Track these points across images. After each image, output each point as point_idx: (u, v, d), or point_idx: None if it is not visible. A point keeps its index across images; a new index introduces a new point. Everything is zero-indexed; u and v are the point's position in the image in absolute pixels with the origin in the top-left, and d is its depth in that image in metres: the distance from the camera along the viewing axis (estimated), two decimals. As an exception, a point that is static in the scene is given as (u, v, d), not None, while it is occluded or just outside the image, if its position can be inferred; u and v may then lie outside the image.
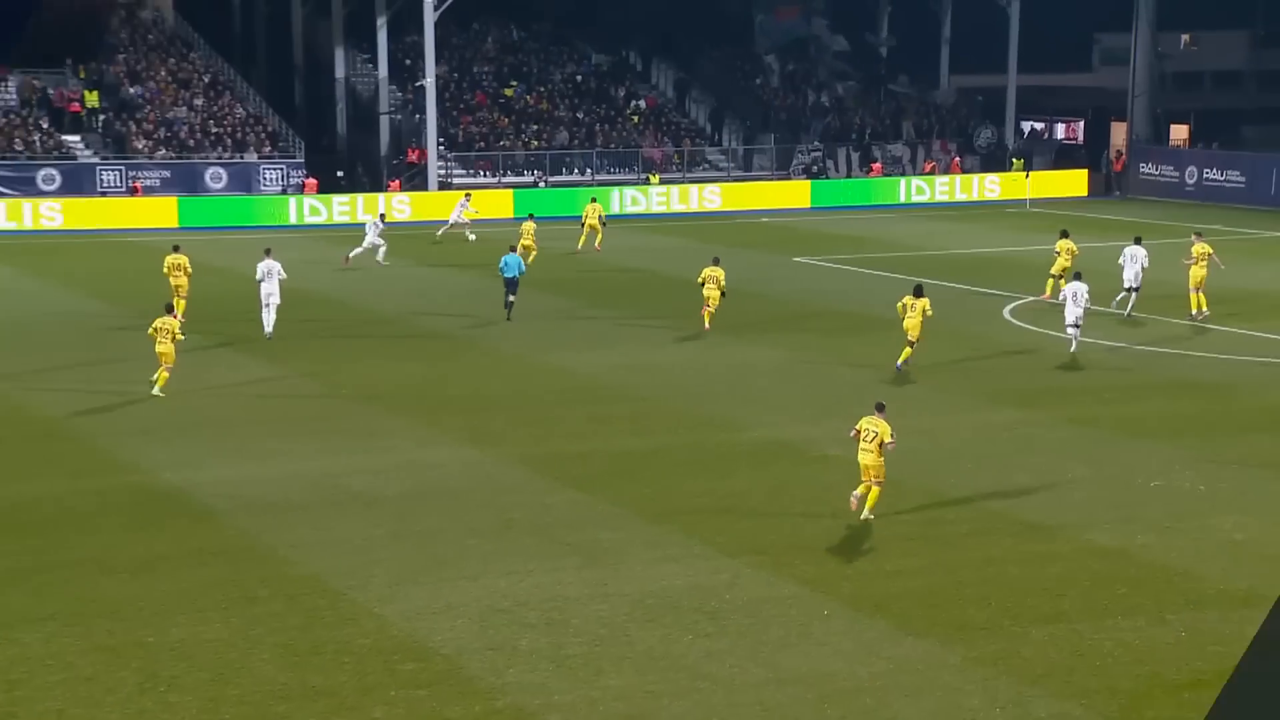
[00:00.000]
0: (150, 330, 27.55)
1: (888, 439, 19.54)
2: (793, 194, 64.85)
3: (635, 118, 69.77)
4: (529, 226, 44.54)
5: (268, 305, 33.04)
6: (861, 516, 19.79)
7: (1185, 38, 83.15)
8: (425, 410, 26.56)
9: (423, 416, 26.12)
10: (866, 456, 19.74)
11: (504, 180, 64.49)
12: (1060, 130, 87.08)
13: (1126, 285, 35.43)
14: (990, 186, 67.11)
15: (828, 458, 23.16)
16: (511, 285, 36.01)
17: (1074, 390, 27.66)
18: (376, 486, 21.77)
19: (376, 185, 63.92)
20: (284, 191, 60.66)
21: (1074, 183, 68.72)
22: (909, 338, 29.04)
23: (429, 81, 61.73)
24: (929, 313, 28.93)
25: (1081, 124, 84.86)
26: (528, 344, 32.95)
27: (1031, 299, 37.71)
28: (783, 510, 20.46)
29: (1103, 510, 20.27)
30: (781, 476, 22.22)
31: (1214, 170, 65.04)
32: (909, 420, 25.42)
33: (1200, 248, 35.17)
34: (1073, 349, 30.76)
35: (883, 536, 19.23)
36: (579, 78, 71.96)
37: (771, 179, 67.08)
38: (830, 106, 73.33)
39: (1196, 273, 34.96)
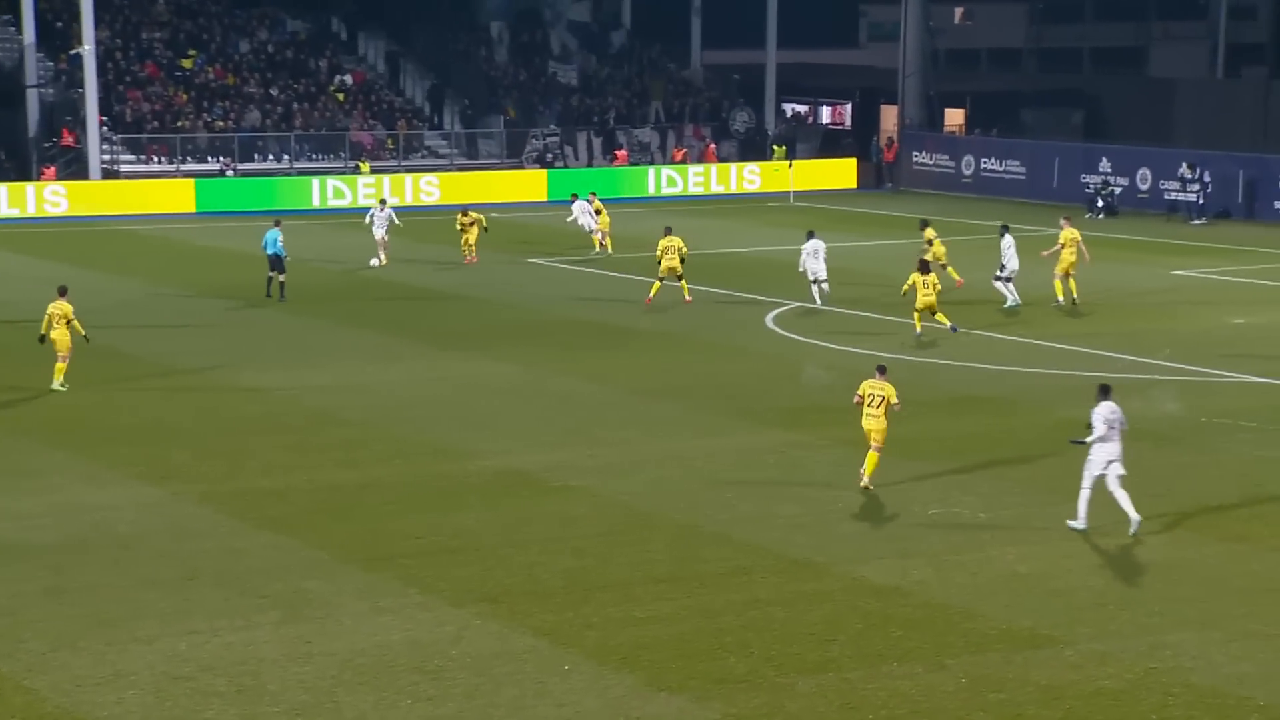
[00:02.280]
0: (45, 320, 29.10)
1: (893, 400, 22.67)
2: (526, 185, 65.12)
3: (340, 96, 69.08)
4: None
5: None
6: (862, 484, 22.79)
7: (959, 12, 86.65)
8: (91, 442, 25.85)
9: (87, 449, 25.42)
10: (871, 421, 22.69)
11: (184, 168, 63.07)
12: (826, 114, 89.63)
13: (1005, 274, 38.22)
14: (749, 177, 68.67)
15: (570, 489, 23.32)
16: (275, 264, 38.89)
17: (845, 408, 28.36)
18: (27, 534, 21.08)
19: (24, 172, 61.72)
20: (-92, 179, 58.12)
21: (842, 173, 70.78)
22: (934, 314, 33.80)
23: (87, 49, 59.92)
24: (939, 287, 33.87)
25: (849, 107, 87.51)
26: (216, 361, 32.30)
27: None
28: (517, 551, 20.52)
29: (877, 543, 20.92)
30: (517, 512, 22.29)
31: (992, 160, 67.90)
32: (658, 445, 25.84)
33: (1069, 233, 38.37)
34: (820, 303, 37.82)
35: (632, 578, 19.47)
36: (271, 48, 70.88)
37: (501, 167, 67.21)
38: (569, 85, 73.97)
39: (1066, 258, 38.32)
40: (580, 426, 27.19)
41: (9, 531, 21.19)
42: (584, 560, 20.16)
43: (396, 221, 46.13)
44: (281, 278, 39.10)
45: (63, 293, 29.69)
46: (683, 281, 38.61)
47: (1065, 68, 77.96)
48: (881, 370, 23.32)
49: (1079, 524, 21.11)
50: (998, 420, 27.78)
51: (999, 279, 38.27)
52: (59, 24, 65.85)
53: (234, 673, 16.52)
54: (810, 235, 38.44)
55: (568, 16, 78.52)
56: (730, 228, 56.29)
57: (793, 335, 35.47)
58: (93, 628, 17.72)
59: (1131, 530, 20.83)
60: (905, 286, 34.33)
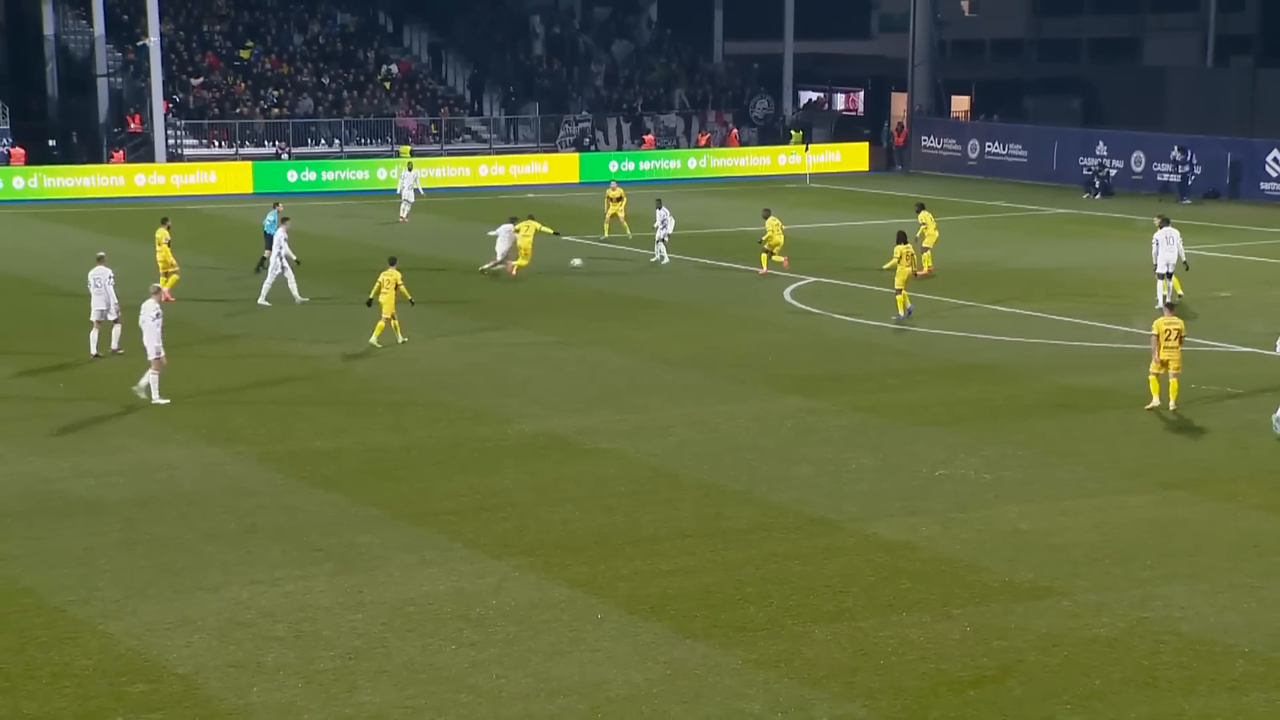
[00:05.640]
0: (376, 286, 30.55)
1: (1183, 333, 25.01)
2: (560, 167, 65.08)
3: (387, 84, 69.07)
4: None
5: None
6: (1171, 408, 25.10)
7: (965, 4, 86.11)
8: (158, 406, 25.89)
9: (153, 412, 25.51)
10: (1170, 352, 24.85)
11: (242, 152, 63.21)
12: (840, 101, 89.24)
13: (1161, 271, 34.29)
14: (768, 160, 68.43)
15: (601, 451, 23.37)
16: (268, 242, 37.69)
17: (856, 376, 28.47)
18: (100, 491, 21.20)
19: (95, 155, 61.94)
20: (-13, 162, 58.31)
21: (855, 157, 70.54)
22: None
23: (152, 41, 60.03)
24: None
25: (861, 94, 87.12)
26: (269, 330, 32.40)
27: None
28: (552, 508, 20.58)
29: (887, 501, 20.92)
30: (551, 472, 22.35)
31: (996, 144, 67.58)
32: (682, 410, 25.87)
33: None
34: (655, 258, 41.25)
35: (659, 534, 19.51)
36: (322, 40, 70.87)
37: (538, 151, 67.20)
38: (600, 74, 73.81)
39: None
40: (609, 393, 27.22)
41: (85, 488, 21.32)
42: (614, 517, 20.21)
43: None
44: (266, 254, 37.37)
45: (392, 262, 30.99)
46: (764, 256, 39.77)
47: (1064, 57, 77.56)
48: (1170, 307, 25.97)
49: None
50: (999, 388, 27.70)
51: (1161, 276, 34.08)
52: (126, 17, 65.96)
53: (293, 619, 16.62)
54: (659, 204, 42.49)
55: (599, 11, 78.27)
56: (750, 208, 56.06)
57: (809, 309, 35.40)
58: (162, 577, 17.84)
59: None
60: (892, 261, 33.41)
